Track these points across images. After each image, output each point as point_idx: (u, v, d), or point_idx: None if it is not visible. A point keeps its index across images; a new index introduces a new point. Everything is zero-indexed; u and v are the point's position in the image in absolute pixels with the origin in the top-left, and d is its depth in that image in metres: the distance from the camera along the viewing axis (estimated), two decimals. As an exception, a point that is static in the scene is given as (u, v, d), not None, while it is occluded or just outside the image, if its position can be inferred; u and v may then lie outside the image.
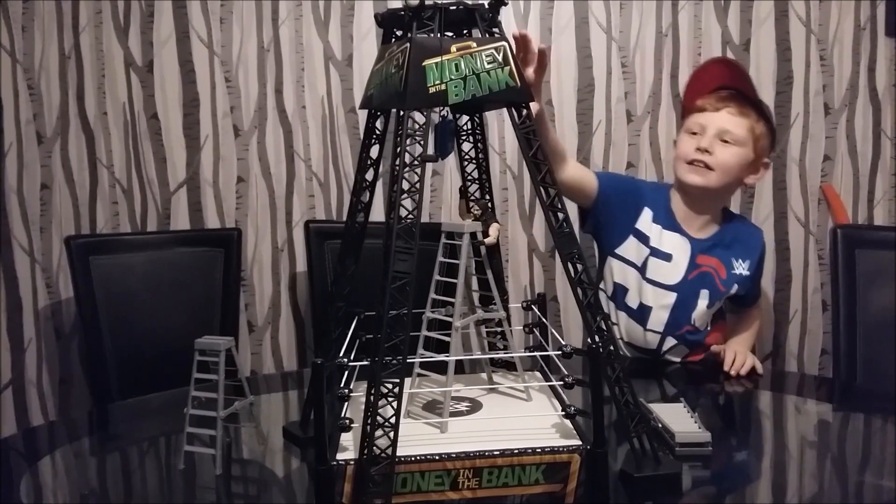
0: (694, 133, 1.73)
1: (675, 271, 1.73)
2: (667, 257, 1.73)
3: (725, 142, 1.70)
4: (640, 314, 1.75)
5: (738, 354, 1.66)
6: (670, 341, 1.76)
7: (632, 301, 1.76)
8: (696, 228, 1.76)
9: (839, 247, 1.93)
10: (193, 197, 2.28)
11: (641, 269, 1.75)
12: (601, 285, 1.82)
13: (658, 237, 1.75)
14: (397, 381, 0.97)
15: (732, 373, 1.63)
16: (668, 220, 1.76)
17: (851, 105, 2.28)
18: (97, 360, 1.98)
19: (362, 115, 2.22)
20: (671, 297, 1.73)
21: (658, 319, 1.73)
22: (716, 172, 1.69)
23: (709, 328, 1.80)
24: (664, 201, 1.80)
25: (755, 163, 1.74)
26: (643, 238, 1.75)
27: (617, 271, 1.78)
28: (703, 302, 1.74)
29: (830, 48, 2.26)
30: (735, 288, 1.77)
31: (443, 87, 1.02)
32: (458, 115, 1.22)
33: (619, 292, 1.78)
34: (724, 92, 1.75)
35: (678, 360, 1.79)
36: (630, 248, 1.76)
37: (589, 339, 1.07)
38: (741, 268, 1.75)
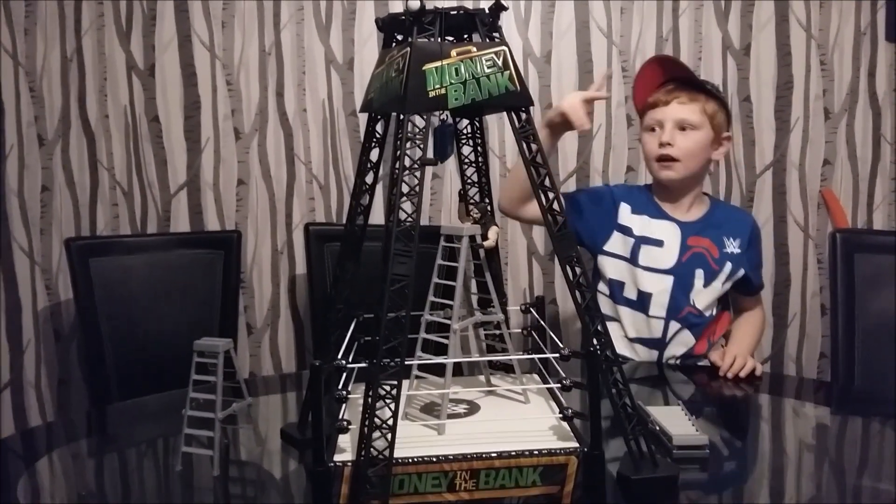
0: (653, 130, 1.79)
1: (668, 255, 1.77)
2: (658, 243, 1.78)
3: (684, 129, 1.76)
4: (641, 302, 1.78)
5: (738, 357, 1.66)
6: (674, 326, 1.77)
7: (630, 292, 1.79)
8: (682, 212, 1.82)
9: (838, 251, 1.93)
10: (194, 199, 2.28)
11: (632, 259, 1.78)
12: (598, 286, 1.84)
13: (646, 226, 1.80)
14: (395, 383, 0.97)
15: (729, 375, 1.63)
16: (654, 210, 1.81)
17: (851, 109, 2.29)
18: (96, 361, 1.99)
19: (363, 118, 2.22)
20: (668, 281, 1.76)
21: (659, 303, 1.76)
22: (682, 162, 1.76)
23: (713, 314, 1.81)
24: (646, 195, 1.85)
25: (716, 139, 1.80)
26: (626, 231, 1.80)
27: (610, 268, 1.81)
28: (699, 281, 1.77)
29: (831, 53, 2.27)
30: (729, 266, 1.79)
31: (443, 91, 1.03)
32: (457, 119, 1.22)
33: (617, 288, 1.80)
34: (670, 84, 1.81)
35: (683, 351, 1.79)
36: (616, 242, 1.80)
37: (587, 342, 1.07)
38: (732, 246, 1.80)
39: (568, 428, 1.07)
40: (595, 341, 1.07)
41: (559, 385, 1.08)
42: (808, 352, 2.36)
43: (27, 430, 2.08)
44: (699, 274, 1.77)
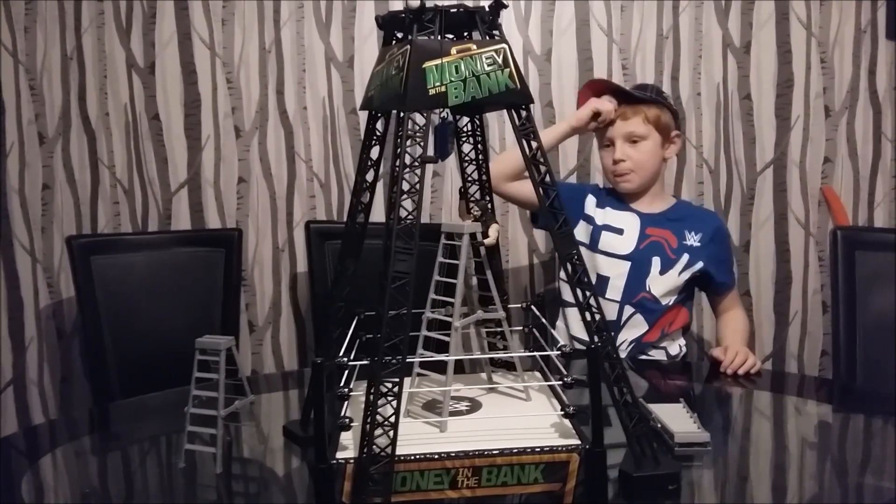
0: (607, 146, 1.91)
1: (626, 242, 1.87)
2: (618, 231, 1.89)
3: (634, 142, 1.87)
4: (599, 285, 1.86)
5: (739, 353, 1.67)
6: (628, 310, 1.85)
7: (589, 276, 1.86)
8: (644, 206, 1.92)
9: (839, 248, 1.93)
10: (194, 197, 2.29)
11: (591, 245, 1.90)
12: (559, 272, 1.95)
13: (608, 216, 1.91)
14: (397, 380, 0.97)
15: (730, 371, 1.64)
16: (618, 203, 1.93)
17: (852, 107, 2.29)
18: (98, 359, 1.99)
19: (363, 116, 2.22)
20: (625, 266, 1.86)
21: (615, 287, 1.85)
22: (637, 172, 1.88)
23: (669, 304, 1.87)
24: (609, 191, 1.97)
25: (665, 140, 1.90)
26: (590, 220, 1.92)
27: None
28: (655, 269, 1.86)
29: (831, 51, 2.27)
30: (686, 257, 1.86)
31: (443, 88, 1.03)
32: (458, 117, 1.22)
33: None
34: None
35: (636, 335, 1.85)
36: (580, 230, 1.91)
37: (588, 339, 1.07)
38: (692, 239, 1.88)
39: (569, 425, 1.07)
40: (596, 338, 1.07)
41: (560, 382, 1.08)
42: (810, 349, 2.36)
43: (30, 428, 2.08)
44: (655, 262, 1.86)
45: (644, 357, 1.86)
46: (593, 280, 1.84)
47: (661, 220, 1.90)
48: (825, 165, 2.31)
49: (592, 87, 1.94)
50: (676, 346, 1.92)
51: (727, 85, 2.27)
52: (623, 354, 1.11)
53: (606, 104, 1.86)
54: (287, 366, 2.35)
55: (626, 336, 1.85)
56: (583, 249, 1.87)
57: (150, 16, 2.22)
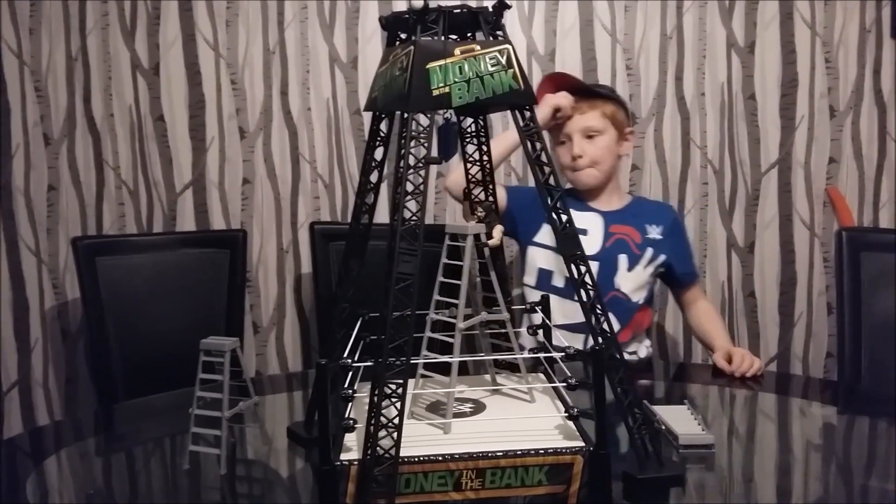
0: (563, 142, 1.91)
1: (592, 242, 1.88)
2: (583, 232, 1.87)
3: (590, 137, 1.88)
4: (569, 288, 1.85)
5: (746, 358, 1.67)
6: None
7: (558, 280, 1.89)
8: (604, 204, 1.93)
9: (844, 250, 1.92)
10: (199, 198, 2.29)
11: (558, 248, 1.86)
12: (525, 279, 1.94)
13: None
14: (401, 381, 0.97)
15: (738, 374, 1.64)
16: (578, 205, 1.93)
17: (857, 107, 2.28)
18: (103, 360, 1.99)
19: (367, 117, 2.22)
20: (593, 266, 1.84)
21: None
22: (595, 168, 1.89)
23: (640, 302, 1.89)
24: (571, 193, 1.97)
25: (621, 136, 1.92)
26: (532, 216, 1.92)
27: (540, 258, 1.92)
28: (623, 266, 1.87)
29: (835, 50, 2.26)
30: (650, 252, 1.88)
31: (446, 89, 1.03)
32: (461, 118, 1.22)
33: (545, 277, 1.91)
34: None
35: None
36: (544, 234, 1.91)
37: (592, 341, 1.07)
38: (654, 232, 1.91)
39: (574, 427, 1.07)
40: (600, 340, 1.07)
41: (565, 384, 1.08)
42: (815, 351, 2.36)
43: (35, 429, 2.08)
44: (622, 259, 1.87)
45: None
46: (562, 283, 1.88)
47: (622, 216, 1.91)
48: (830, 166, 2.30)
49: (551, 82, 1.94)
50: (644, 348, 1.94)
51: (731, 85, 2.27)
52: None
53: (563, 99, 1.85)
54: (291, 367, 2.36)
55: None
56: (551, 252, 1.89)
57: (155, 17, 2.23)
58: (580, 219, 1.87)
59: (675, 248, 1.93)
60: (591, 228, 1.89)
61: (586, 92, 1.91)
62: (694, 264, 2.01)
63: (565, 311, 1.84)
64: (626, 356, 1.87)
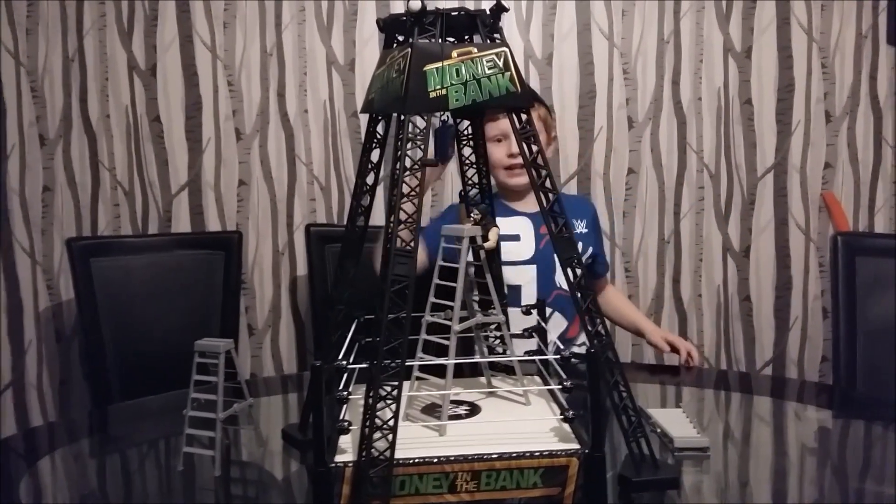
0: (499, 140, 1.89)
1: (525, 247, 1.89)
2: (515, 238, 1.88)
3: None
4: (514, 296, 1.84)
5: (692, 349, 1.83)
6: (547, 311, 1.83)
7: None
8: (531, 206, 1.90)
9: (840, 254, 1.93)
10: (195, 200, 2.29)
11: None
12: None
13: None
14: (396, 384, 0.97)
15: (691, 364, 1.80)
16: (503, 211, 1.92)
17: (853, 113, 2.29)
18: (97, 361, 1.99)
19: (364, 119, 2.22)
20: (531, 270, 1.88)
21: (529, 293, 1.86)
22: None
23: None
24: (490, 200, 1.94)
25: (547, 139, 1.93)
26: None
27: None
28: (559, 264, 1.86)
29: (832, 56, 2.27)
30: (581, 245, 1.90)
31: (443, 91, 1.03)
32: (458, 120, 1.22)
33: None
34: None
35: (558, 333, 1.87)
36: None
37: (588, 344, 1.07)
38: (580, 226, 1.95)
39: (569, 429, 1.07)
40: (596, 342, 1.07)
41: (560, 386, 1.08)
42: (810, 355, 2.36)
43: (29, 430, 2.08)
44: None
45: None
46: (506, 291, 1.87)
47: None
48: (826, 171, 2.30)
49: None
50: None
51: (728, 89, 2.28)
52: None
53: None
54: (286, 369, 2.35)
55: (551, 337, 1.85)
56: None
57: (152, 18, 2.23)
58: (510, 224, 1.89)
59: (597, 241, 1.98)
60: (522, 233, 1.90)
61: None
62: (604, 253, 2.07)
63: (514, 318, 1.85)
64: (577, 349, 1.91)
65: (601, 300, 1.99)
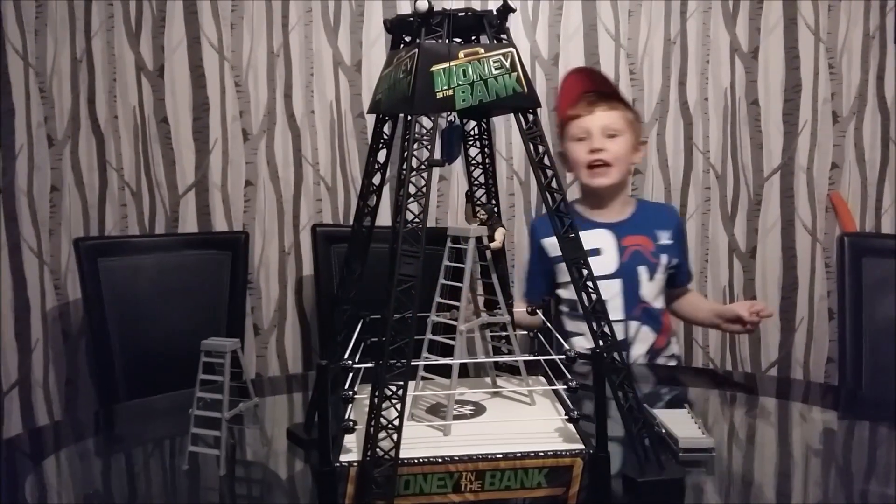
0: (581, 139, 1.87)
1: (608, 261, 1.86)
2: (595, 252, 1.85)
3: (611, 136, 1.85)
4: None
5: (744, 308, 1.77)
6: (633, 325, 1.86)
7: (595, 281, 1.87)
8: (612, 216, 1.90)
9: (846, 255, 1.92)
10: (202, 200, 2.29)
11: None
12: (560, 306, 1.93)
13: None
14: (401, 383, 0.97)
15: (763, 315, 1.75)
16: (581, 224, 1.88)
17: (860, 113, 2.28)
18: (104, 361, 1.99)
19: (370, 120, 2.23)
20: (616, 284, 1.85)
21: (614, 307, 1.83)
22: (614, 167, 1.85)
23: (662, 305, 1.90)
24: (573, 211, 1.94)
25: (635, 145, 1.91)
26: (558, 259, 1.86)
27: (564, 293, 1.91)
28: (644, 276, 1.87)
29: (839, 56, 2.26)
30: (665, 258, 1.89)
31: (450, 92, 1.03)
32: (465, 121, 1.22)
33: (573, 307, 1.89)
34: (591, 96, 1.90)
35: (646, 348, 1.86)
36: (560, 272, 1.89)
37: (593, 344, 1.07)
38: (664, 238, 1.90)
39: (573, 430, 1.07)
40: (601, 343, 1.07)
41: (565, 387, 1.08)
42: (816, 356, 2.35)
43: (35, 430, 2.08)
44: (642, 270, 1.87)
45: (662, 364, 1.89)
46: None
47: (630, 227, 1.89)
48: (833, 171, 2.30)
49: (579, 76, 1.93)
50: (676, 346, 1.96)
51: (735, 90, 2.27)
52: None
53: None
54: (292, 369, 2.36)
55: (639, 350, 1.86)
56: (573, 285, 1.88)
57: (160, 19, 2.23)
58: (590, 238, 1.85)
59: (682, 251, 1.94)
60: (603, 246, 1.86)
61: (609, 94, 1.90)
62: (689, 262, 2.04)
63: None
64: (666, 360, 1.90)
65: (678, 303, 1.97)
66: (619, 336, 1.80)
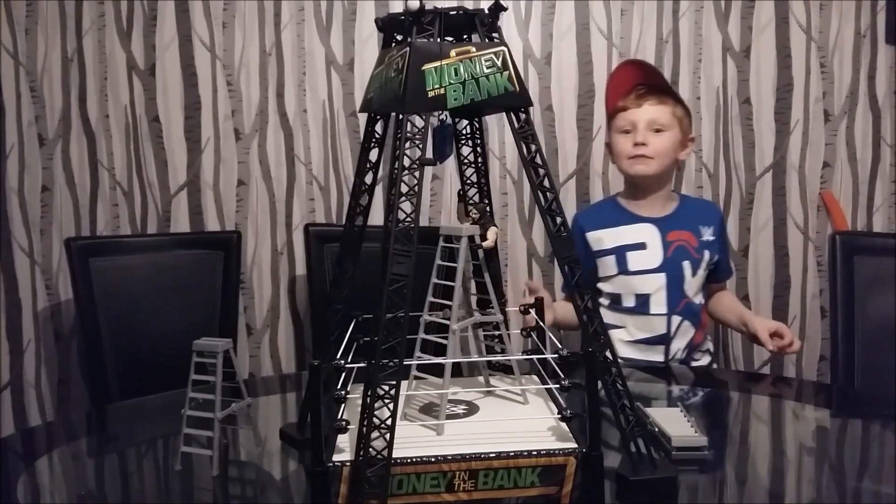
0: (626, 131, 1.88)
1: (654, 255, 1.87)
2: (641, 246, 1.87)
3: (657, 131, 1.86)
4: (643, 304, 1.86)
5: (788, 333, 1.75)
6: (676, 319, 1.86)
7: (629, 300, 1.89)
8: (656, 211, 1.91)
9: (838, 253, 1.93)
10: (194, 200, 2.29)
11: (622, 270, 1.88)
12: (601, 299, 1.93)
13: (620, 235, 1.90)
14: (394, 383, 0.97)
15: (794, 348, 1.74)
16: (626, 217, 1.91)
17: (851, 112, 2.29)
18: (96, 361, 1.99)
19: (363, 119, 2.22)
20: (661, 278, 1.86)
21: (658, 301, 1.85)
22: (656, 159, 1.86)
23: (702, 303, 1.91)
24: (612, 205, 1.96)
25: (683, 140, 1.91)
26: (603, 252, 1.91)
27: (607, 286, 1.92)
28: (688, 272, 1.87)
29: (831, 55, 2.27)
30: (707, 254, 1.89)
31: (442, 91, 1.03)
32: (457, 120, 1.22)
33: (615, 299, 1.91)
34: (641, 89, 1.90)
35: (685, 343, 1.87)
36: (603, 266, 1.91)
37: (586, 343, 1.07)
38: (707, 234, 1.90)
39: (567, 429, 1.07)
40: (594, 342, 1.07)
41: (558, 386, 1.08)
42: (808, 354, 2.36)
43: (27, 430, 2.08)
44: (686, 266, 1.87)
45: (695, 364, 1.90)
46: (633, 301, 1.87)
47: (674, 222, 1.90)
48: (824, 170, 2.31)
49: (628, 69, 1.92)
50: (710, 342, 1.96)
51: (727, 89, 2.28)
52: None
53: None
54: (285, 369, 2.35)
55: (679, 345, 1.87)
56: (616, 278, 1.88)
57: (151, 18, 2.23)
58: (635, 232, 1.88)
59: (723, 247, 1.95)
60: (648, 240, 1.87)
61: (661, 88, 1.90)
62: (730, 259, 2.03)
63: (640, 325, 1.87)
64: (701, 356, 1.91)
65: (713, 301, 1.97)
66: (662, 331, 1.85)
